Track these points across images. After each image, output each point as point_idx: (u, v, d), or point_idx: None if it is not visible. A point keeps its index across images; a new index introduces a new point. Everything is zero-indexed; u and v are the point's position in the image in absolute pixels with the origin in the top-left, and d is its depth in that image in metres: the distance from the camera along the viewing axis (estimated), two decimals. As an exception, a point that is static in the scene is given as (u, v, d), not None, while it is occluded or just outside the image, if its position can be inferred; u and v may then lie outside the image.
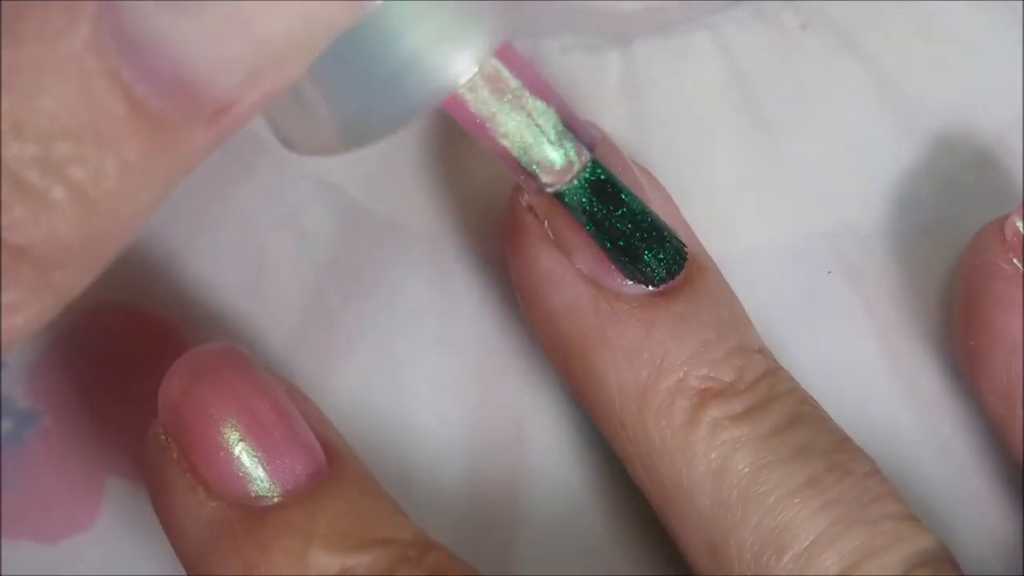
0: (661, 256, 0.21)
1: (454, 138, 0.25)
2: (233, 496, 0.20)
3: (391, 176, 0.24)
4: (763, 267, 0.24)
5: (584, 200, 0.20)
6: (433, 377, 0.24)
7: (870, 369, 0.24)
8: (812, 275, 0.24)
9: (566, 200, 0.20)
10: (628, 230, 0.21)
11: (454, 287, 0.24)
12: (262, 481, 0.20)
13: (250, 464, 0.20)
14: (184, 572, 0.21)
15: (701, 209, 0.24)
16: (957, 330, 0.23)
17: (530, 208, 0.21)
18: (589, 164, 0.20)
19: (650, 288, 0.21)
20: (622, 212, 0.20)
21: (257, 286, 0.24)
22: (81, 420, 0.24)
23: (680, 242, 0.21)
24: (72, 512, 0.23)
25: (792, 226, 0.24)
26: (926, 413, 0.24)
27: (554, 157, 0.19)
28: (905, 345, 0.24)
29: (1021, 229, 0.22)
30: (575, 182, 0.20)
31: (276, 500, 0.20)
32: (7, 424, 0.24)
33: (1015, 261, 0.22)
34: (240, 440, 0.20)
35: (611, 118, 0.25)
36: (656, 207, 0.21)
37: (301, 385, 0.24)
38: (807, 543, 0.20)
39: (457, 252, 0.24)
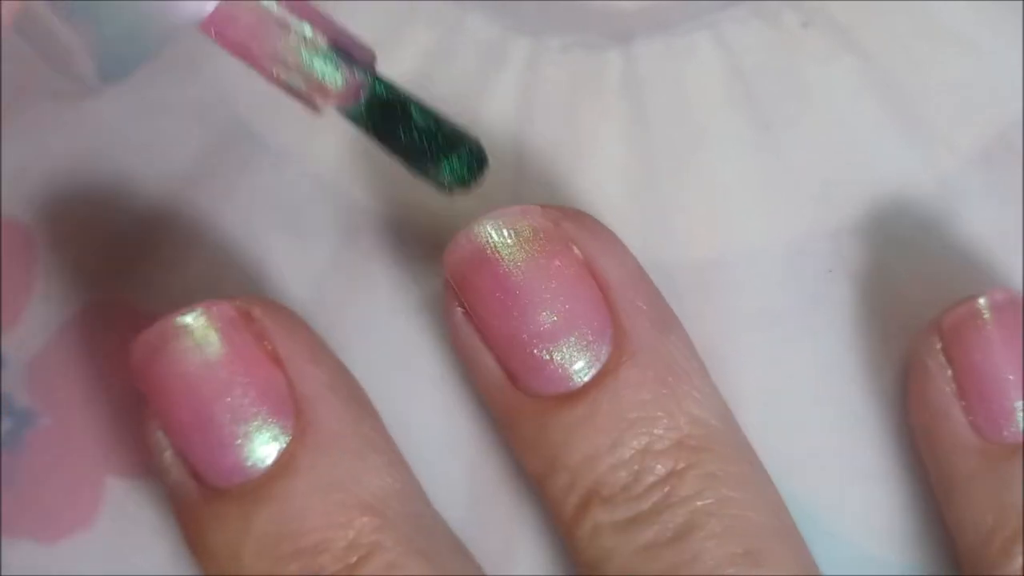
0: (455, 164, 0.21)
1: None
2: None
3: (391, 176, 0.24)
4: (763, 267, 0.24)
5: (367, 117, 0.20)
6: (434, 376, 0.24)
7: (870, 369, 0.24)
8: (812, 275, 0.24)
9: (351, 119, 0.20)
10: (418, 142, 0.20)
11: (454, 287, 0.24)
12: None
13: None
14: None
15: (701, 209, 0.24)
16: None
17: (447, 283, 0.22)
18: (370, 82, 0.20)
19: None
20: (409, 125, 0.20)
21: (257, 286, 0.24)
22: (81, 420, 0.24)
23: (475, 148, 0.21)
24: (72, 512, 0.23)
25: (792, 226, 0.24)
26: (925, 413, 0.24)
27: (327, 80, 0.19)
28: (906, 345, 0.24)
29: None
30: (358, 102, 0.20)
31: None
32: (7, 424, 0.24)
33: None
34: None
35: (611, 117, 0.24)
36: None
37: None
38: None
39: (457, 252, 0.24)
